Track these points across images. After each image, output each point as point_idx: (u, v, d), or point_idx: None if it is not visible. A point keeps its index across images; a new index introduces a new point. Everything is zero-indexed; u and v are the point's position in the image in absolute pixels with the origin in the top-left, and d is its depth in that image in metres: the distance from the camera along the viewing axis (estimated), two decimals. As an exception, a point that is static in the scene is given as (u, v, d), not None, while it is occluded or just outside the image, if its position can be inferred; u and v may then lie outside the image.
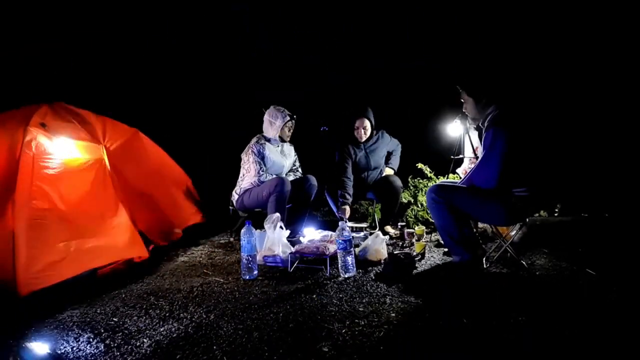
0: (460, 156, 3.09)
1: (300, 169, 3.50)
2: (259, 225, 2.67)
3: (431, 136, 3.65)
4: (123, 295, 2.14)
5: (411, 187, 3.82)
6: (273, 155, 3.20)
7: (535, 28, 4.85)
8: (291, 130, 3.30)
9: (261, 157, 3.15)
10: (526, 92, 4.52)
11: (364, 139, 3.32)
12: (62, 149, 2.46)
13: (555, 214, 3.70)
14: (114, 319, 1.82)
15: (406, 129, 4.26)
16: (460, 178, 3.05)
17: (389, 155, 3.54)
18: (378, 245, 2.52)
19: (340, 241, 2.25)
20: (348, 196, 3.20)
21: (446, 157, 3.21)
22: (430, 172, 3.75)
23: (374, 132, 3.37)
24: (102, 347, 1.57)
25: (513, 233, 2.46)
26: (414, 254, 2.52)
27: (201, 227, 3.38)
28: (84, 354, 1.53)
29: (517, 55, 4.87)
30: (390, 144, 3.51)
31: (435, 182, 3.62)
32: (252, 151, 3.14)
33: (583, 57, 4.66)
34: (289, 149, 3.42)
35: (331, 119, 4.20)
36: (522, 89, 4.47)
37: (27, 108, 2.56)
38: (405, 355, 1.41)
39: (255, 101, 3.56)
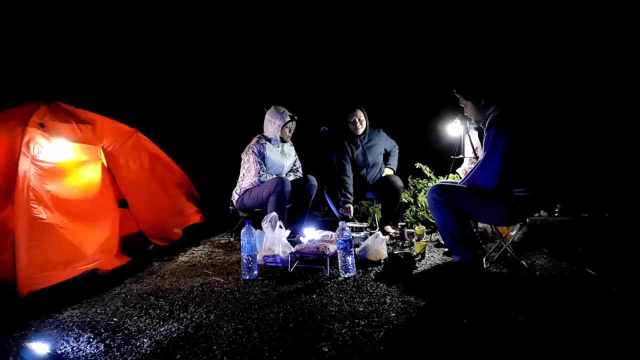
0: (460, 156, 3.09)
1: (300, 169, 3.50)
2: (259, 225, 2.67)
3: (431, 136, 3.65)
4: (123, 295, 2.14)
5: (411, 187, 3.82)
6: (273, 155, 3.20)
7: (534, 28, 4.85)
8: (292, 131, 3.30)
9: (261, 157, 3.15)
10: (526, 92, 4.53)
11: (360, 131, 3.31)
12: (61, 150, 2.46)
13: (555, 214, 3.70)
14: (114, 319, 1.82)
15: (406, 129, 4.26)
16: (460, 178, 3.05)
17: (387, 154, 3.54)
18: (378, 245, 2.52)
19: (340, 241, 2.25)
20: (349, 195, 3.19)
21: (446, 157, 3.21)
22: (430, 172, 3.75)
23: (370, 128, 3.37)
24: (102, 347, 1.57)
25: (513, 233, 2.46)
26: (414, 254, 2.52)
27: (201, 227, 3.38)
28: (84, 354, 1.53)
29: (516, 55, 4.87)
30: (387, 142, 3.51)
31: (435, 182, 3.62)
32: (252, 151, 3.14)
33: (583, 57, 4.66)
34: (290, 149, 3.42)
35: (331, 119, 4.20)
36: (522, 89, 4.47)
37: (26, 107, 2.56)
38: (405, 355, 1.41)
39: (255, 101, 3.56)
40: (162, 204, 3.17)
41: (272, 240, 2.55)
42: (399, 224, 3.00)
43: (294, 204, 3.23)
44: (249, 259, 2.33)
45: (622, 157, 4.22)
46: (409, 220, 3.59)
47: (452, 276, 2.19)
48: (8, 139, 2.28)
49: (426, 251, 2.64)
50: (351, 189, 3.23)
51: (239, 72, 5.81)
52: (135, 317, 1.84)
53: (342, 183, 3.22)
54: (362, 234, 2.91)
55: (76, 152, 2.58)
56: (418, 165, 3.77)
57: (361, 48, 5.71)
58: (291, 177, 3.34)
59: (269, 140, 3.24)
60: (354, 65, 5.77)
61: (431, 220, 3.51)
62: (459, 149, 3.08)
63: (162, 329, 1.70)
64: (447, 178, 3.31)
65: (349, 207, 3.16)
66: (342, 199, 3.18)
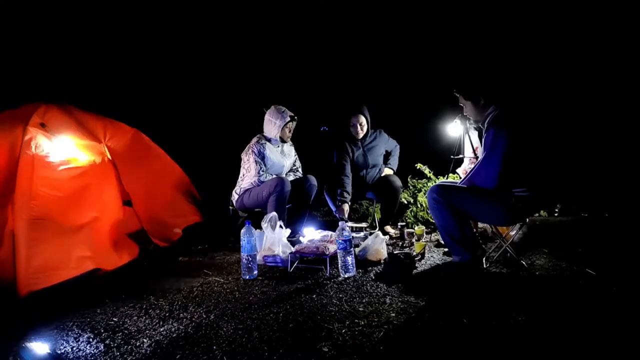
0: (460, 156, 3.09)
1: (300, 169, 3.50)
2: (259, 225, 2.67)
3: (431, 136, 3.65)
4: (123, 295, 2.14)
5: (411, 187, 3.82)
6: (273, 155, 3.20)
7: (534, 28, 4.85)
8: (292, 131, 3.30)
9: (261, 157, 3.15)
10: (526, 92, 4.53)
11: (360, 135, 3.31)
12: (62, 149, 2.46)
13: (555, 214, 3.70)
14: (114, 319, 1.82)
15: (406, 129, 4.26)
16: (460, 178, 3.05)
17: (387, 154, 3.54)
18: (378, 245, 2.52)
19: (340, 241, 2.25)
20: (347, 194, 3.18)
21: (446, 157, 3.21)
22: (429, 172, 3.75)
23: (371, 130, 3.37)
24: (102, 347, 1.57)
25: (513, 233, 2.46)
26: (414, 254, 2.52)
27: (201, 227, 3.38)
28: (84, 354, 1.53)
29: (515, 55, 4.87)
30: (388, 143, 3.51)
31: (435, 182, 3.62)
32: (252, 151, 3.14)
33: (583, 57, 4.66)
34: (289, 149, 3.42)
35: (331, 119, 4.20)
36: (521, 88, 4.47)
37: (26, 107, 2.56)
38: (405, 355, 1.41)
39: (255, 101, 3.56)
40: (162, 204, 3.17)
41: (272, 240, 2.56)
42: (399, 224, 3.00)
43: (293, 204, 3.23)
44: (249, 259, 2.33)
45: (622, 157, 4.22)
46: (409, 220, 3.59)
47: (452, 276, 2.19)
48: (9, 138, 2.29)
49: (426, 251, 2.64)
50: (349, 189, 3.21)
51: (239, 72, 5.81)
52: (135, 317, 1.84)
53: (341, 183, 3.21)
54: (362, 234, 2.91)
55: (78, 151, 2.58)
56: (418, 165, 3.77)
57: (361, 48, 5.71)
58: (291, 177, 3.34)
59: (269, 140, 3.24)
60: (354, 65, 5.77)
61: (431, 220, 3.51)
62: (459, 149, 3.08)
63: (162, 329, 1.70)
64: (447, 178, 3.31)
65: (344, 208, 3.15)
66: (339, 199, 3.18)
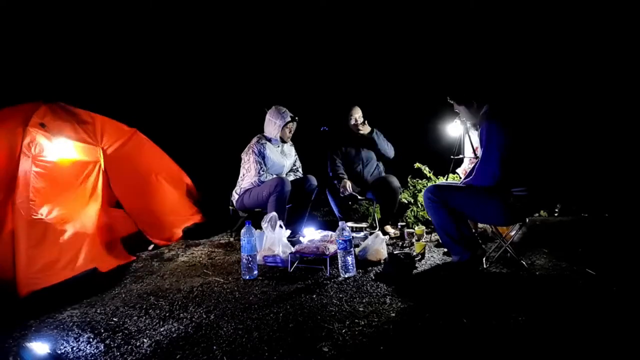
0: (460, 156, 3.09)
1: (300, 169, 3.50)
2: (259, 225, 2.67)
3: (431, 136, 3.65)
4: (123, 295, 2.14)
5: (411, 188, 3.82)
6: (273, 155, 3.20)
7: (534, 28, 4.85)
8: (292, 131, 3.30)
9: (262, 157, 3.15)
10: (520, 89, 4.53)
11: (360, 128, 3.35)
12: (61, 150, 2.46)
13: (555, 214, 3.70)
14: (114, 319, 1.82)
15: (406, 128, 4.26)
16: (460, 178, 3.05)
17: (381, 155, 3.54)
18: (378, 245, 2.52)
19: (340, 241, 2.25)
20: (342, 174, 3.31)
21: (446, 157, 3.21)
22: (429, 172, 3.75)
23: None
24: (102, 347, 1.57)
25: (513, 233, 2.46)
26: (414, 254, 2.53)
27: (201, 227, 3.38)
28: (84, 354, 1.53)
29: (513, 53, 4.86)
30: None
31: (434, 182, 3.62)
32: (252, 151, 3.14)
33: (582, 56, 4.66)
34: (290, 149, 3.42)
35: (331, 119, 4.20)
36: (515, 86, 4.47)
37: (26, 106, 2.56)
38: (405, 355, 1.41)
39: (255, 101, 3.56)
40: (162, 204, 3.17)
41: (272, 240, 2.55)
42: (399, 224, 3.00)
43: (294, 204, 3.23)
44: (249, 259, 2.33)
45: (622, 157, 4.22)
46: (409, 220, 3.59)
47: (452, 276, 2.19)
48: (8, 139, 2.29)
49: (426, 251, 2.64)
50: (342, 171, 3.35)
51: (239, 72, 5.81)
52: (135, 317, 1.84)
53: (334, 171, 3.36)
54: (362, 234, 2.91)
55: (77, 152, 2.58)
56: (418, 165, 3.77)
57: (361, 48, 5.71)
58: (291, 177, 3.34)
59: (269, 140, 3.24)
60: (354, 65, 5.77)
61: (431, 220, 3.51)
62: (459, 149, 3.08)
63: (162, 329, 1.70)
64: (447, 178, 3.31)
65: (346, 183, 3.24)
66: (336, 181, 3.29)
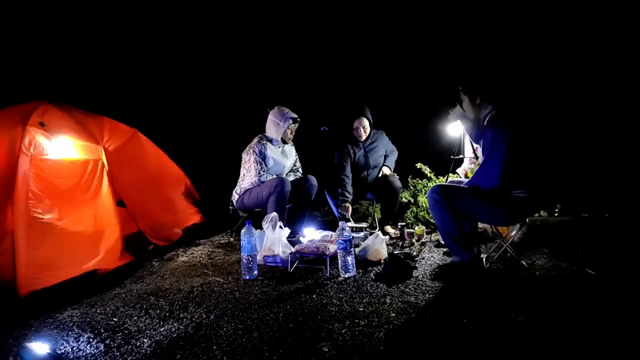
0: (460, 156, 3.09)
1: (300, 169, 3.50)
2: (259, 225, 2.67)
3: (431, 136, 3.66)
4: (123, 295, 2.14)
5: (411, 188, 3.82)
6: (274, 155, 3.20)
7: (534, 28, 4.85)
8: (293, 132, 3.30)
9: (262, 157, 3.15)
10: (525, 92, 4.52)
11: (363, 137, 3.32)
12: (61, 149, 2.46)
13: (555, 214, 3.69)
14: (114, 319, 1.82)
15: (406, 128, 4.26)
16: (460, 178, 3.05)
17: (385, 156, 3.54)
18: (378, 245, 2.52)
19: (340, 241, 2.25)
20: (348, 194, 3.19)
21: (446, 157, 3.21)
22: (430, 173, 3.75)
23: (372, 131, 3.37)
24: (102, 347, 1.57)
25: (513, 233, 2.46)
26: (414, 254, 2.52)
27: (201, 227, 3.38)
28: (84, 354, 1.53)
29: (514, 55, 4.86)
30: (388, 145, 3.52)
31: (435, 182, 3.62)
32: (253, 151, 3.14)
33: (582, 57, 4.66)
34: (290, 149, 3.42)
35: (331, 119, 4.20)
36: (520, 89, 4.47)
37: (25, 106, 2.56)
38: (405, 355, 1.41)
39: (255, 101, 3.56)
40: (162, 204, 3.17)
41: (272, 240, 2.55)
42: (399, 224, 3.00)
43: (294, 204, 3.23)
44: (249, 259, 2.33)
45: (622, 157, 4.22)
46: (409, 220, 3.59)
47: (452, 276, 2.19)
48: (8, 138, 2.28)
49: (426, 251, 2.64)
50: (350, 189, 3.23)
51: (239, 72, 5.81)
52: (135, 317, 1.84)
53: (341, 182, 3.22)
54: (362, 234, 2.91)
55: (77, 151, 2.58)
56: (418, 165, 3.77)
57: (361, 48, 5.71)
58: (291, 177, 3.34)
59: (270, 140, 3.24)
60: (354, 65, 5.77)
61: (431, 220, 3.51)
62: (459, 149, 3.08)
63: (162, 329, 1.70)
64: (447, 178, 3.31)
65: (347, 207, 3.17)
66: (341, 198, 3.19)
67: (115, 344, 1.58)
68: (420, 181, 3.83)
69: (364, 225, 3.21)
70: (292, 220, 3.21)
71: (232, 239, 3.37)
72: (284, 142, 3.29)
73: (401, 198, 3.51)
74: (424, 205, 3.61)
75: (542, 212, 3.67)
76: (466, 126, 2.32)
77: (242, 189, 3.18)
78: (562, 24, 4.72)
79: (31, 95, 2.80)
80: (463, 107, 2.37)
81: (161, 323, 1.76)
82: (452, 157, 3.13)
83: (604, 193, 3.81)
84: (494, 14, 5.06)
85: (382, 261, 2.49)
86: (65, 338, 1.66)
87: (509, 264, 2.33)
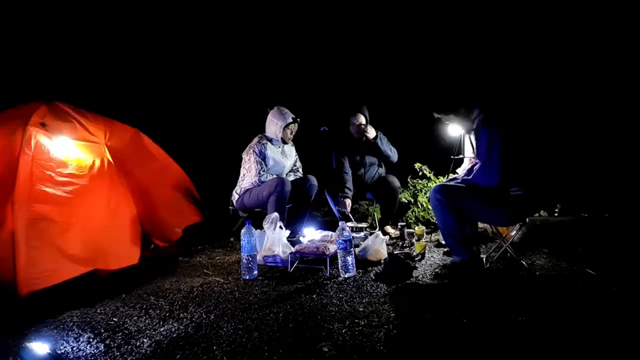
0: (460, 156, 3.09)
1: (300, 169, 3.50)
2: (259, 225, 2.66)
3: (431, 136, 3.65)
4: (123, 295, 2.14)
5: (411, 188, 3.82)
6: (274, 155, 3.20)
7: (534, 27, 4.85)
8: (293, 133, 3.30)
9: (262, 157, 3.15)
10: (515, 90, 4.52)
11: (367, 131, 3.34)
12: (62, 149, 2.46)
13: (555, 214, 3.70)
14: (114, 319, 1.82)
15: (406, 128, 4.26)
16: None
17: (384, 159, 3.53)
18: (378, 245, 2.52)
19: (340, 241, 2.25)
20: (347, 190, 3.24)
21: (446, 157, 3.21)
22: (429, 173, 3.75)
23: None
24: (102, 347, 1.57)
25: (513, 233, 2.46)
26: (414, 254, 2.53)
27: (201, 227, 3.37)
28: (84, 354, 1.53)
29: (514, 52, 4.86)
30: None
31: (435, 182, 3.62)
32: (253, 151, 3.14)
33: (582, 55, 4.66)
34: (290, 149, 3.42)
35: (331, 119, 4.20)
36: (508, 87, 4.46)
37: (26, 107, 2.56)
38: (405, 355, 1.41)
39: (255, 101, 3.56)
40: (161, 204, 3.17)
41: (272, 240, 2.56)
42: (399, 224, 3.00)
43: (294, 204, 3.23)
44: (249, 259, 2.33)
45: (622, 157, 4.22)
46: (409, 220, 3.59)
47: (452, 276, 2.19)
48: (8, 138, 2.28)
49: (426, 251, 2.64)
50: (350, 185, 3.28)
51: (239, 72, 5.81)
52: (135, 317, 1.84)
53: (341, 179, 3.28)
54: (362, 234, 2.92)
55: (79, 151, 2.58)
56: (418, 165, 3.77)
57: (361, 48, 5.71)
58: (291, 177, 3.34)
59: (270, 140, 3.24)
60: (354, 65, 5.77)
61: (431, 220, 3.51)
62: (459, 149, 3.08)
63: (162, 329, 1.70)
64: (447, 178, 3.31)
65: (347, 202, 3.20)
66: (340, 194, 3.23)
67: (115, 344, 1.58)
68: (420, 181, 3.84)
69: (364, 225, 3.21)
70: (292, 220, 3.21)
71: (232, 239, 3.37)
72: (284, 142, 3.30)
73: (401, 198, 3.51)
74: (424, 205, 3.61)
75: (542, 212, 3.68)
76: (462, 125, 2.34)
77: (242, 189, 3.18)
78: (562, 24, 4.71)
79: (31, 95, 2.80)
80: (455, 122, 2.39)
81: (161, 323, 1.76)
82: (452, 157, 3.12)
83: (604, 193, 3.81)
84: (493, 14, 5.06)
85: (382, 261, 2.49)
86: (65, 338, 1.66)
87: (509, 264, 2.33)
